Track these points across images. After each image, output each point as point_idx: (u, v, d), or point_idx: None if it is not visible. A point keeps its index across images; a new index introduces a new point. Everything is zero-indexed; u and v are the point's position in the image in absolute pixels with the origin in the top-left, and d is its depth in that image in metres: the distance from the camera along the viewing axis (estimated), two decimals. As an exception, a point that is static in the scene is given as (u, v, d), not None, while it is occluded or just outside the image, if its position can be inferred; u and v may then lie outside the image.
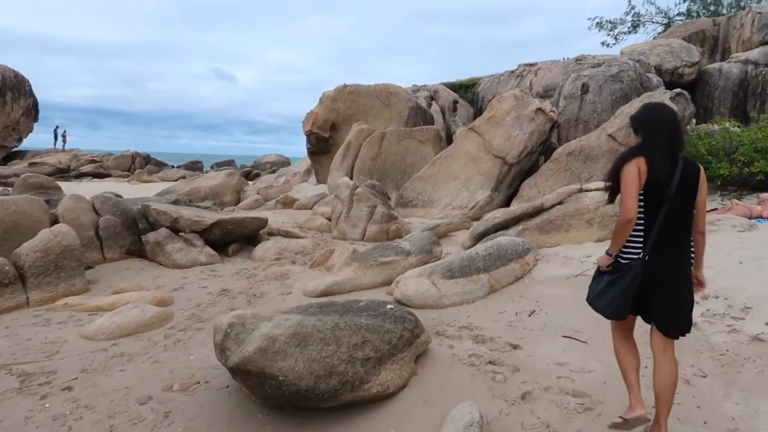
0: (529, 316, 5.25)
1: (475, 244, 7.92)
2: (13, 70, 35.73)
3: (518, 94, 11.31)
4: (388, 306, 4.26)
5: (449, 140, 17.35)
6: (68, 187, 22.09)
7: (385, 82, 15.52)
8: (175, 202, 11.90)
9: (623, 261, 2.80)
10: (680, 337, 2.89)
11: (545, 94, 17.33)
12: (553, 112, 11.21)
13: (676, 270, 2.77)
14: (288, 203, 15.35)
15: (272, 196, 17.14)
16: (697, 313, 4.89)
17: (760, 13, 20.00)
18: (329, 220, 10.60)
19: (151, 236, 8.13)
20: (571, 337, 4.55)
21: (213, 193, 15.97)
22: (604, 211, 7.50)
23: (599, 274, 2.99)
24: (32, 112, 37.65)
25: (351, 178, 12.93)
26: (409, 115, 15.52)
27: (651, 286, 2.77)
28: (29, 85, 37.21)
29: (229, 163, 45.18)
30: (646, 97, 10.19)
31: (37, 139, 39.84)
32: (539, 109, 10.96)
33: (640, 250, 2.76)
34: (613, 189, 2.91)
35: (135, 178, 26.86)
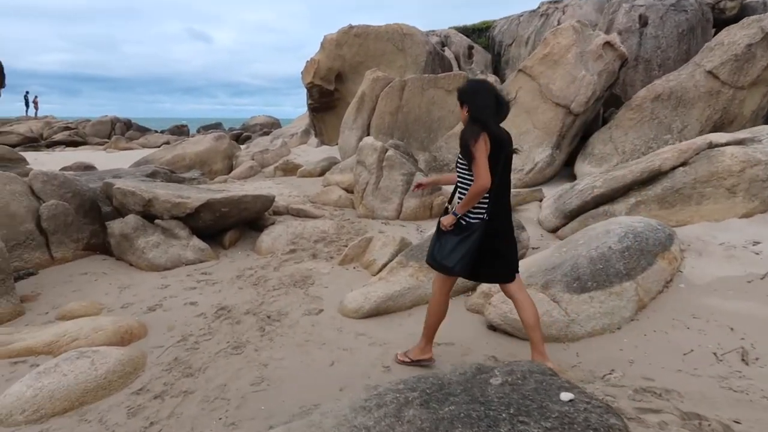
0: (745, 362, 3.12)
1: (565, 224, 5.77)
2: (-27, 30, 32.44)
3: (577, 26, 8.97)
4: (564, 395, 2.11)
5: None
6: (35, 158, 19.61)
7: (397, 22, 13.04)
8: (153, 175, 9.63)
9: (471, 221, 3.09)
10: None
11: (580, 34, 14.97)
12: (622, 47, 8.90)
13: (508, 227, 3.19)
14: (289, 170, 13.10)
15: (269, 162, 14.86)
16: None
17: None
18: (348, 191, 8.39)
19: (115, 227, 5.89)
20: None
21: (200, 161, 13.65)
22: (752, 175, 5.33)
23: (441, 234, 3.23)
24: (-2, 76, 34.52)
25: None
26: (426, 62, 13.12)
27: (488, 244, 3.08)
28: (-8, 47, 33.98)
29: (217, 126, 42.42)
30: (755, 21, 7.90)
31: (16, 108, 36.66)
32: (607, 43, 8.65)
33: (484, 212, 3.06)
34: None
35: (112, 145, 24.26)
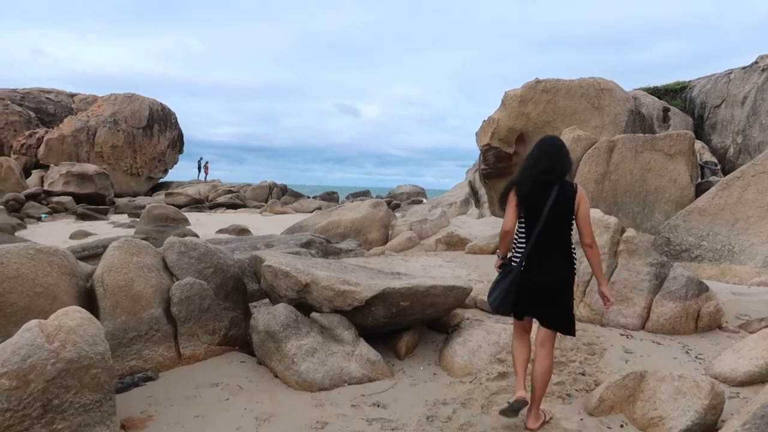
0: None
1: None
2: (161, 103, 36.00)
3: None
4: None
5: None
6: (197, 219, 19.99)
7: (593, 76, 11.01)
8: (308, 244, 8.30)
9: (512, 262, 3.33)
10: (564, 335, 3.44)
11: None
12: None
13: (551, 276, 3.25)
14: (453, 243, 11.31)
15: (428, 233, 13.20)
16: None
17: None
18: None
19: (260, 320, 4.33)
20: None
21: (356, 229, 12.38)
22: None
23: (497, 275, 3.45)
24: (177, 143, 37.76)
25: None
26: (627, 122, 10.85)
27: (528, 287, 3.24)
28: (175, 118, 37.41)
29: (365, 194, 42.68)
30: None
31: (190, 173, 40.19)
32: None
33: (520, 257, 3.27)
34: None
35: (267, 208, 24.50)
